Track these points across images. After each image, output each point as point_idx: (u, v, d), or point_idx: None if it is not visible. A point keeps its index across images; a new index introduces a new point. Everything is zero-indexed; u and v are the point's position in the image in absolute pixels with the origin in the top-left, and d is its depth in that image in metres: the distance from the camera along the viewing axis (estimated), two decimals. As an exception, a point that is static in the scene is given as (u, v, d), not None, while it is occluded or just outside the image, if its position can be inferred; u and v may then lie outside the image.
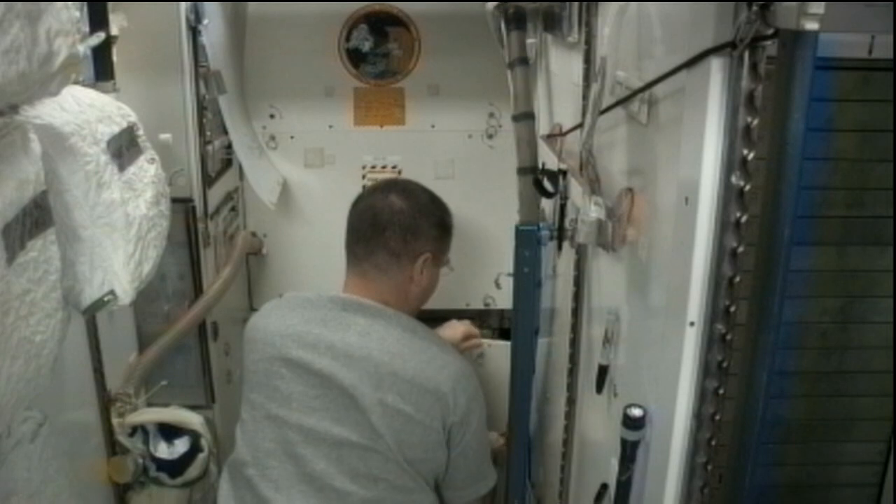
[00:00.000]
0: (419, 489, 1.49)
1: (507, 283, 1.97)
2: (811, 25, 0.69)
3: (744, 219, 0.81)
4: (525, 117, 1.54)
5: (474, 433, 1.53)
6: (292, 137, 2.48)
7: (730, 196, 0.81)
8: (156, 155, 1.33)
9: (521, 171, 1.51)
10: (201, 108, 2.09)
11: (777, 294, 0.81)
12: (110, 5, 1.64)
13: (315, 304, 1.56)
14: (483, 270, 2.43)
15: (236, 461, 1.56)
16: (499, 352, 1.83)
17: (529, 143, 1.53)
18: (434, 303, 2.64)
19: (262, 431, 1.51)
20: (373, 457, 1.43)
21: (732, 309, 0.84)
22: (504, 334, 2.63)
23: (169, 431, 1.84)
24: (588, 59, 1.43)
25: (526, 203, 1.51)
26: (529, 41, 1.88)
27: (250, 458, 1.51)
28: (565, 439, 1.67)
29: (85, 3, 1.25)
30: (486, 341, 1.90)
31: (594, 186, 1.22)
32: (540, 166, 1.56)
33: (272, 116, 2.46)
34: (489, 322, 2.66)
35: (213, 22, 2.07)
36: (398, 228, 1.55)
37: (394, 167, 2.51)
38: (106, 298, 1.11)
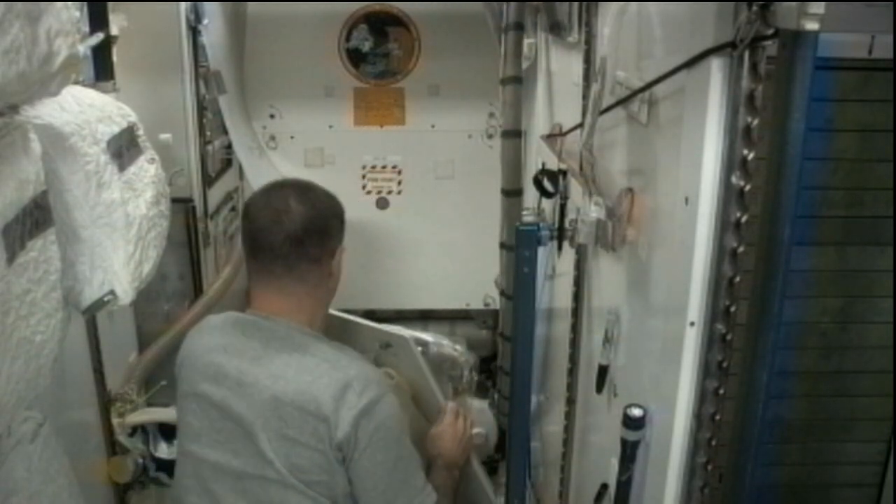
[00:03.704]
0: None
1: (507, 283, 1.96)
2: (811, 25, 0.69)
3: (744, 219, 0.81)
4: (512, 135, 1.54)
5: (380, 449, 1.42)
6: (292, 137, 2.48)
7: (730, 196, 0.81)
8: (156, 155, 1.33)
9: (505, 192, 1.49)
10: (201, 108, 2.09)
11: (777, 294, 0.81)
12: (110, 5, 1.64)
13: (220, 329, 1.54)
14: (483, 270, 2.43)
15: (170, 497, 1.58)
16: (403, 342, 1.82)
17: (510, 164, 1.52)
18: (435, 302, 2.67)
19: (182, 468, 1.52)
20: (271, 486, 1.40)
21: (732, 309, 0.84)
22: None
23: (169, 431, 1.84)
24: (588, 59, 1.43)
25: (507, 222, 1.51)
26: (529, 41, 1.89)
27: (176, 496, 1.53)
28: (565, 439, 1.67)
29: (85, 3, 1.26)
30: (391, 328, 1.88)
31: (594, 186, 1.22)
32: (540, 166, 1.56)
33: (272, 116, 2.46)
34: (489, 322, 2.67)
35: (213, 22, 2.08)
36: (315, 235, 1.48)
37: (394, 167, 2.51)
38: (106, 298, 1.11)
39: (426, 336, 2.18)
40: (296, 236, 1.46)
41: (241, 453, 1.42)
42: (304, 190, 1.54)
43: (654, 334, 1.04)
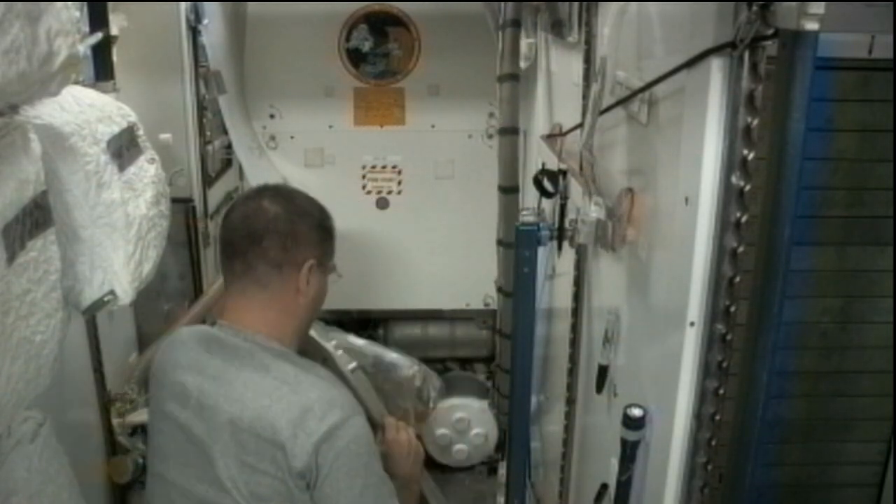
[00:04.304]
0: None
1: (507, 283, 1.96)
2: (811, 25, 0.69)
3: (744, 219, 0.81)
4: (509, 132, 1.53)
5: (343, 476, 1.34)
6: (292, 137, 2.48)
7: (730, 196, 0.81)
8: (156, 155, 1.33)
9: (502, 189, 1.47)
10: (201, 108, 2.09)
11: (777, 294, 0.81)
12: (110, 5, 1.64)
13: (186, 344, 1.47)
14: (483, 270, 2.44)
15: None
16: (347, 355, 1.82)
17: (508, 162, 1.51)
18: (435, 303, 2.67)
19: (152, 490, 1.47)
20: None
21: (732, 309, 0.84)
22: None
23: (169, 431, 1.84)
24: (588, 59, 1.43)
25: (504, 218, 1.50)
26: (529, 41, 1.89)
27: None
28: (565, 439, 1.67)
29: (85, 3, 1.26)
30: (327, 341, 1.88)
31: (594, 186, 1.22)
32: (540, 166, 1.56)
33: (272, 116, 2.46)
34: (489, 322, 2.67)
35: (213, 22, 2.08)
36: (276, 235, 1.40)
37: (394, 167, 2.51)
38: (106, 298, 1.11)
39: (393, 355, 2.19)
40: (256, 233, 1.40)
41: (203, 478, 1.36)
42: (281, 193, 1.49)
43: (653, 334, 1.04)
